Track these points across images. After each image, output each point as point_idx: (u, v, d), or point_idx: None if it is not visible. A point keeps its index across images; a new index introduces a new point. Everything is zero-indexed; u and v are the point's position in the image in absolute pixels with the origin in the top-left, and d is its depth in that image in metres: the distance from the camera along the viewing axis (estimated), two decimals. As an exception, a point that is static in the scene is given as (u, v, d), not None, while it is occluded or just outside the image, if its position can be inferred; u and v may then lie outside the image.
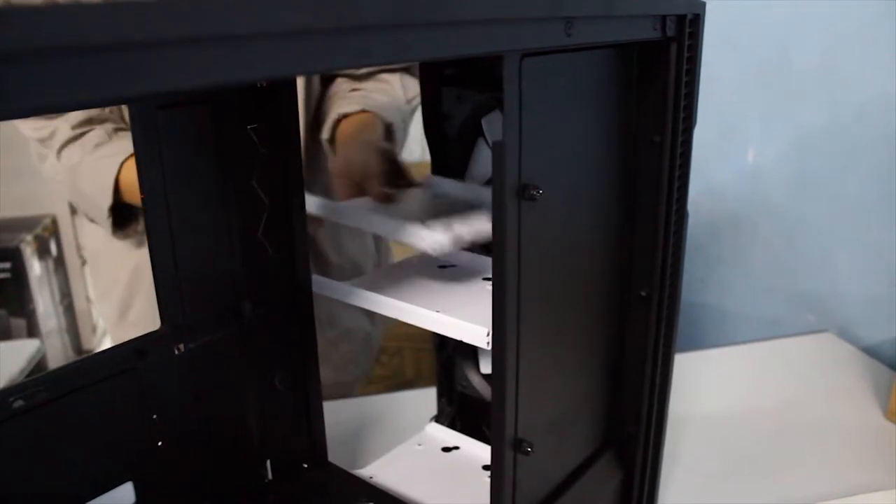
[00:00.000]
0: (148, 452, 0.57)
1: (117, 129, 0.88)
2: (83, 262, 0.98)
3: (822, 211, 1.18)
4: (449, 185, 0.69)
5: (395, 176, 0.72)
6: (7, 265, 1.96)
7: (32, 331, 1.98)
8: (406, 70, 1.02)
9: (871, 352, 1.09)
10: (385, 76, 1.00)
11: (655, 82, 0.55)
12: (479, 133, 0.67)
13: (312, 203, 0.65)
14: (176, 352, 0.58)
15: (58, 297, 2.21)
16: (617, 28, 0.48)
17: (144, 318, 0.97)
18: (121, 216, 0.88)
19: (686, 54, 0.55)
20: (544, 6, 0.40)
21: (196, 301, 0.58)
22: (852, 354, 1.09)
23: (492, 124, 0.65)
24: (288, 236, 0.63)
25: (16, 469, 0.49)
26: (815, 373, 1.05)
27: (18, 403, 0.48)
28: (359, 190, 0.74)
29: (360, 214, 0.63)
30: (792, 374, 1.04)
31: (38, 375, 0.50)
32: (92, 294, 1.05)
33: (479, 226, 0.57)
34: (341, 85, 0.99)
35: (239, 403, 0.64)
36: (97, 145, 0.86)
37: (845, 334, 1.14)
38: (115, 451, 0.55)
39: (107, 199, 0.85)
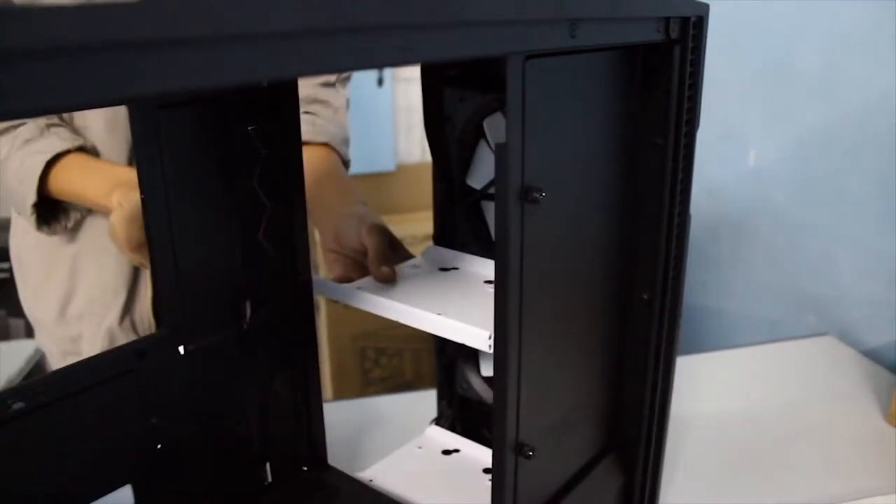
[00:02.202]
0: (147, 455, 0.56)
1: (50, 125, 0.88)
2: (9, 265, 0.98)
3: (823, 214, 1.18)
4: (450, 256, 0.69)
5: (394, 249, 0.73)
6: (6, 265, 1.95)
7: (31, 331, 1.98)
8: (343, 81, 1.05)
9: (872, 355, 1.09)
10: (325, 95, 1.02)
11: (658, 84, 0.55)
12: (482, 135, 0.67)
13: (319, 285, 0.66)
14: (176, 354, 0.57)
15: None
16: (621, 30, 0.48)
17: (87, 311, 0.97)
18: (46, 212, 0.89)
19: (689, 56, 0.55)
20: (549, 8, 0.40)
21: (196, 302, 0.58)
22: (853, 358, 1.08)
23: (494, 126, 0.65)
24: (288, 237, 0.63)
25: (15, 471, 0.48)
26: (815, 376, 1.04)
27: (18, 405, 0.47)
28: (352, 264, 0.75)
29: (378, 302, 0.62)
30: (792, 378, 1.04)
31: (37, 378, 0.50)
32: (22, 295, 1.03)
33: None
34: None
35: (239, 405, 0.64)
36: (27, 140, 0.87)
37: (846, 337, 1.14)
38: (114, 453, 0.54)
39: (31, 196, 0.85)
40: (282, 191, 0.61)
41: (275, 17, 0.26)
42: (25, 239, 1.00)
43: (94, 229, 0.93)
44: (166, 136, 0.53)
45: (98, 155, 0.91)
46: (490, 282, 0.63)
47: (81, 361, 0.52)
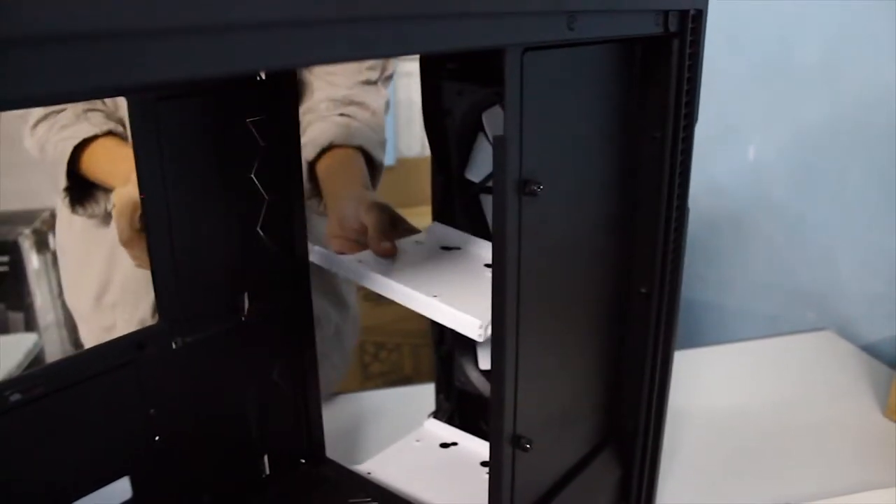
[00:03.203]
0: (145, 447, 0.56)
1: (87, 111, 0.89)
2: (53, 255, 1.00)
3: (822, 208, 1.18)
4: (453, 235, 0.69)
5: (394, 226, 0.74)
6: (5, 259, 1.95)
7: (30, 325, 1.98)
8: (385, 81, 1.03)
9: (871, 350, 1.09)
10: (363, 97, 1.00)
11: (657, 78, 0.55)
12: (480, 128, 0.67)
13: (315, 253, 0.65)
14: (174, 346, 0.57)
15: (56, 292, 2.20)
16: (619, 23, 0.48)
17: (121, 300, 0.98)
18: (81, 195, 0.91)
19: (688, 50, 0.54)
20: (547, 0, 0.40)
21: (194, 295, 0.58)
22: (852, 352, 1.09)
23: (492, 119, 0.65)
24: (287, 229, 0.63)
25: (12, 462, 0.48)
26: (814, 370, 1.04)
27: (16, 397, 0.47)
28: (354, 245, 0.74)
29: (376, 279, 0.61)
30: (791, 372, 1.04)
31: (35, 369, 0.50)
32: (64, 283, 1.06)
33: None
34: (320, 104, 0.99)
35: (237, 398, 0.64)
36: (63, 126, 0.88)
37: (845, 332, 1.14)
38: (112, 445, 0.54)
39: (62, 181, 0.87)
40: (280, 183, 0.61)
41: (272, 7, 0.25)
42: (69, 227, 1.01)
43: None
44: (165, 128, 0.53)
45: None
46: (490, 265, 0.63)
47: (80, 353, 0.52)
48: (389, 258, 0.65)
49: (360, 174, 0.92)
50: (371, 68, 1.00)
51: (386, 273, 0.61)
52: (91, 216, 0.94)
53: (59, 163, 0.87)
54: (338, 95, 0.99)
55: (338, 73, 0.98)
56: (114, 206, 0.77)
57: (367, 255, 0.66)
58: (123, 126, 0.91)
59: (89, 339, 1.05)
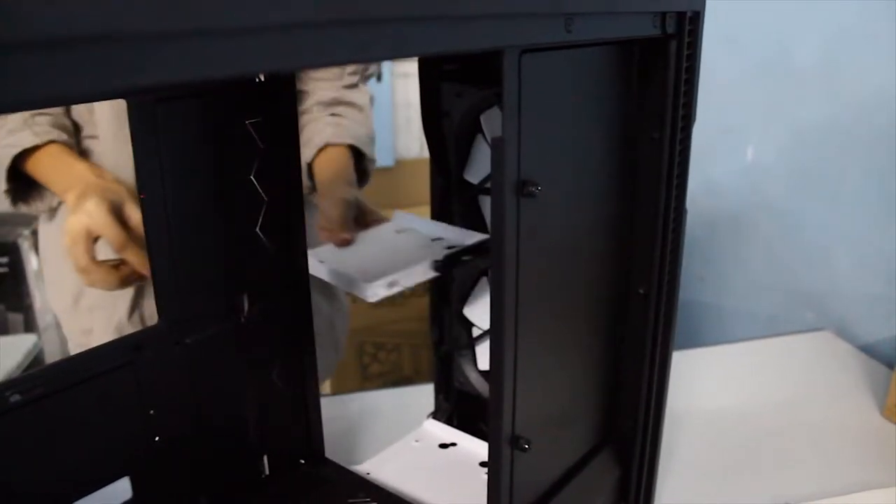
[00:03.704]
0: (145, 447, 0.57)
1: (34, 115, 0.91)
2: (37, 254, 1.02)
3: (820, 209, 1.18)
4: (413, 222, 0.76)
5: (362, 218, 0.85)
6: (5, 260, 1.95)
7: (30, 326, 1.98)
8: (364, 79, 1.11)
9: (869, 350, 1.09)
10: (357, 99, 1.07)
11: (655, 79, 0.55)
12: (478, 129, 0.67)
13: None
14: (173, 346, 0.57)
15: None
16: (617, 25, 0.48)
17: (98, 304, 0.99)
18: (25, 192, 0.94)
19: (686, 51, 0.55)
20: (545, 2, 0.40)
21: (194, 296, 0.58)
22: (850, 353, 1.09)
23: (491, 121, 0.65)
24: (286, 231, 0.63)
25: (12, 463, 0.49)
26: (812, 371, 1.05)
27: (15, 398, 0.47)
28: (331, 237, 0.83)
29: (313, 263, 0.68)
30: (789, 372, 1.04)
31: (34, 370, 0.50)
32: (46, 284, 1.07)
33: (417, 276, 0.65)
34: (313, 106, 1.06)
35: (236, 398, 0.64)
36: (10, 131, 0.90)
37: (843, 332, 1.14)
38: (111, 445, 0.55)
39: (2, 184, 0.90)
40: (280, 185, 0.61)
41: (270, 10, 0.26)
42: (48, 230, 1.02)
43: None
44: (164, 129, 0.53)
45: (79, 144, 0.95)
46: (437, 239, 0.71)
47: (79, 354, 0.52)
48: (347, 246, 0.75)
49: (346, 172, 0.99)
50: (352, 73, 1.08)
51: (320, 256, 0.69)
52: (35, 212, 0.97)
53: (0, 167, 0.89)
54: (327, 98, 1.06)
55: (323, 77, 1.04)
56: (66, 235, 0.79)
57: (327, 248, 0.75)
58: (69, 133, 0.93)
59: (70, 342, 1.06)
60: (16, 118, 0.90)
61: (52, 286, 1.06)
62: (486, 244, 0.69)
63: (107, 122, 0.92)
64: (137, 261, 0.78)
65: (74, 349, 1.05)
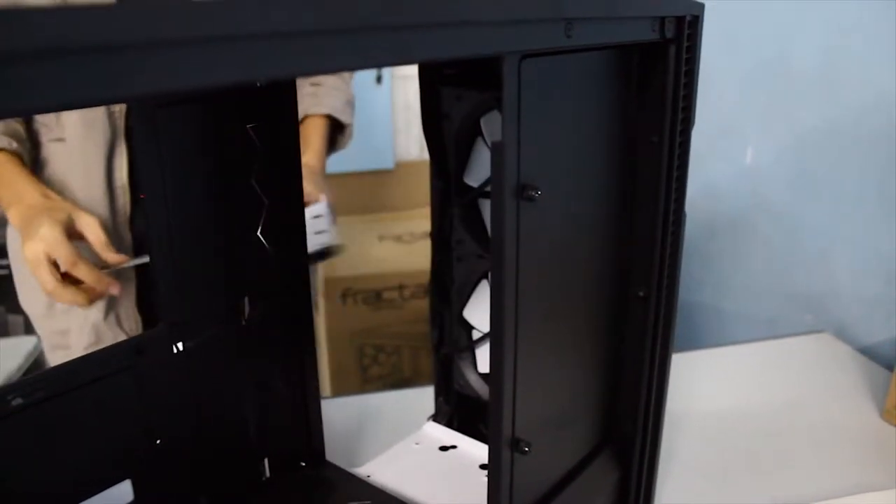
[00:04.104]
0: (146, 450, 0.57)
1: None
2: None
3: (819, 211, 1.18)
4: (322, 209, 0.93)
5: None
6: (5, 262, 1.95)
7: (30, 328, 1.98)
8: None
9: (868, 352, 1.09)
10: (333, 78, 1.14)
11: (654, 83, 0.56)
12: (478, 133, 0.67)
13: None
14: (174, 350, 0.58)
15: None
16: (616, 30, 0.49)
17: (72, 306, 0.98)
18: None
19: (685, 55, 0.55)
20: (544, 8, 0.40)
21: (194, 299, 0.59)
22: (849, 355, 1.09)
23: (491, 124, 0.65)
24: (286, 234, 0.63)
25: (14, 467, 0.49)
26: (812, 373, 1.05)
27: (17, 401, 0.48)
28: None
29: None
30: (789, 374, 1.04)
31: (36, 373, 0.50)
32: (17, 288, 1.07)
33: None
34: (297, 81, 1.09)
35: (237, 401, 0.64)
36: None
37: (842, 334, 1.15)
38: (113, 448, 0.55)
39: None
40: (280, 188, 0.62)
41: (271, 18, 0.26)
42: (14, 234, 1.01)
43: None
44: (165, 133, 0.53)
45: (30, 158, 0.95)
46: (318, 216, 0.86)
47: (80, 357, 0.53)
48: None
49: (318, 146, 1.08)
50: None
51: None
52: None
53: None
54: None
55: None
56: (27, 262, 0.80)
57: None
58: (20, 140, 0.93)
59: (46, 344, 1.06)
60: None
61: (25, 289, 1.05)
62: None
63: (73, 125, 0.92)
64: (90, 277, 0.79)
65: (50, 350, 1.05)
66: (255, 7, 0.25)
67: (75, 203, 0.92)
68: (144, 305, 1.00)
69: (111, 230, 0.95)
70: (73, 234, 0.83)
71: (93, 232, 0.84)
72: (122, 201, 0.95)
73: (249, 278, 0.62)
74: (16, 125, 0.94)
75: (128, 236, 0.96)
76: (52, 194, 0.89)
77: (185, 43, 0.24)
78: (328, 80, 1.12)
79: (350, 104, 1.16)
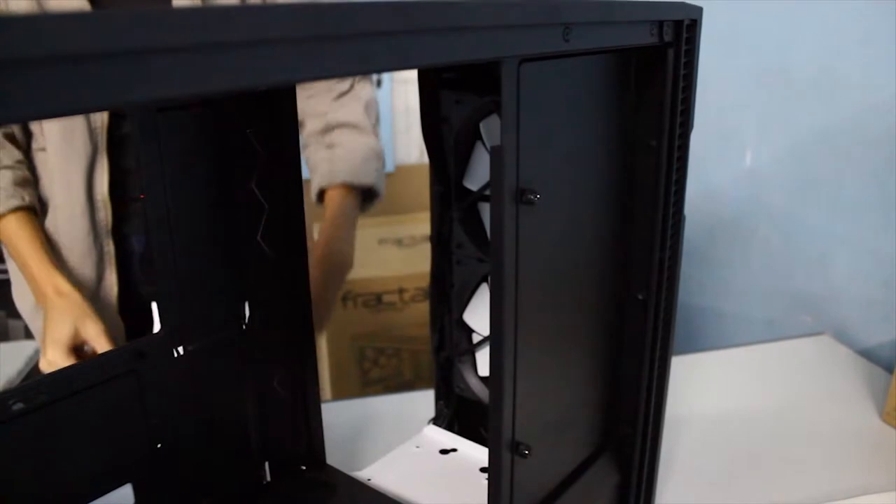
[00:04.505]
0: (147, 454, 0.57)
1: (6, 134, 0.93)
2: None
3: (819, 213, 1.19)
4: None
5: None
6: (5, 267, 1.95)
7: (30, 332, 1.98)
8: (361, 80, 1.09)
9: (868, 354, 1.09)
10: (350, 114, 1.06)
11: (653, 87, 0.56)
12: (478, 136, 0.67)
13: None
14: (175, 354, 0.58)
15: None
16: (614, 34, 0.49)
17: None
18: None
19: (683, 59, 0.55)
20: (543, 13, 0.40)
21: (195, 303, 0.59)
22: (849, 357, 1.09)
23: (490, 128, 0.66)
24: (287, 239, 0.63)
25: (15, 471, 0.49)
26: (811, 375, 1.05)
27: (17, 406, 0.48)
28: None
29: None
30: (788, 377, 1.04)
31: (37, 378, 0.50)
32: (13, 286, 1.08)
33: None
34: (309, 138, 1.07)
35: (238, 405, 0.64)
36: None
37: (842, 337, 1.15)
38: (114, 453, 0.55)
39: None
40: (280, 193, 0.62)
41: (272, 24, 0.26)
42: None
43: (63, 225, 0.96)
44: (166, 138, 0.54)
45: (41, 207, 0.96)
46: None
47: (81, 362, 0.53)
48: None
49: (328, 230, 1.02)
50: (340, 80, 1.06)
51: None
52: None
53: None
54: (319, 126, 1.06)
55: (314, 91, 1.04)
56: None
57: None
58: (31, 187, 0.95)
59: (37, 342, 1.07)
60: None
61: (19, 290, 1.06)
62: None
63: (53, 138, 0.93)
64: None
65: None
66: (255, 14, 0.25)
67: (80, 285, 0.94)
68: (126, 314, 1.01)
69: (92, 242, 0.95)
70: (77, 342, 0.87)
71: (98, 343, 0.87)
72: (102, 214, 0.95)
73: (250, 283, 0.62)
74: (25, 172, 0.95)
75: (110, 248, 0.97)
76: (62, 284, 0.90)
77: (184, 49, 0.24)
78: (345, 138, 1.03)
79: (375, 153, 1.05)
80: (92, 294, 0.97)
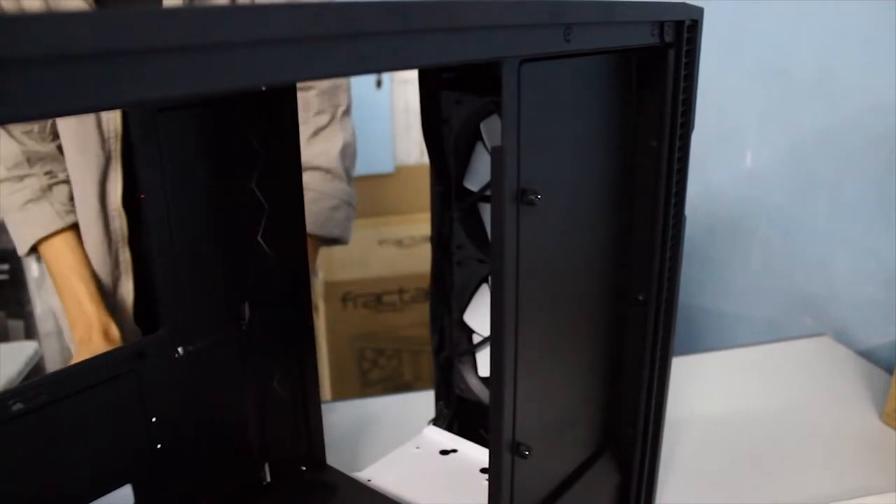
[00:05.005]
0: (147, 455, 0.57)
1: (52, 184, 0.95)
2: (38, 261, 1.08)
3: (819, 214, 1.18)
4: None
5: None
6: (5, 267, 1.95)
7: (30, 332, 1.98)
8: (343, 116, 1.05)
9: (868, 355, 1.09)
10: (321, 158, 1.03)
11: (653, 88, 0.56)
12: (478, 137, 0.67)
13: None
14: (175, 354, 0.58)
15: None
16: (615, 34, 0.49)
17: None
18: None
19: (684, 60, 0.55)
20: (544, 13, 0.40)
21: (196, 304, 0.59)
22: (849, 358, 1.09)
23: (491, 129, 0.65)
24: (287, 239, 0.63)
25: (15, 471, 0.49)
26: (811, 376, 1.05)
27: (17, 406, 0.48)
28: None
29: None
30: (789, 378, 1.04)
31: (37, 378, 0.50)
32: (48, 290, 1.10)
33: None
34: None
35: (238, 406, 0.64)
36: (28, 201, 0.94)
37: (842, 337, 1.15)
38: (114, 453, 0.55)
39: (23, 251, 0.96)
40: (280, 193, 0.62)
41: (272, 24, 0.26)
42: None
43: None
44: (166, 138, 0.53)
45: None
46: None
47: (81, 362, 0.53)
48: None
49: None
50: (320, 112, 1.02)
51: None
52: None
53: (20, 242, 0.95)
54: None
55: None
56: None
57: None
58: (63, 200, 0.96)
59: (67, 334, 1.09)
60: (33, 187, 0.93)
61: (50, 290, 1.06)
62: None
63: (68, 144, 0.93)
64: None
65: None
66: (254, 13, 0.25)
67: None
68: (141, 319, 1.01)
69: (107, 250, 0.96)
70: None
71: (116, 336, 0.90)
72: (116, 223, 0.95)
73: (250, 283, 0.62)
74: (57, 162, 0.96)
75: (126, 257, 0.97)
76: (114, 330, 0.93)
77: (184, 49, 0.24)
78: (314, 182, 1.01)
79: (344, 202, 1.04)
80: (108, 302, 0.97)
